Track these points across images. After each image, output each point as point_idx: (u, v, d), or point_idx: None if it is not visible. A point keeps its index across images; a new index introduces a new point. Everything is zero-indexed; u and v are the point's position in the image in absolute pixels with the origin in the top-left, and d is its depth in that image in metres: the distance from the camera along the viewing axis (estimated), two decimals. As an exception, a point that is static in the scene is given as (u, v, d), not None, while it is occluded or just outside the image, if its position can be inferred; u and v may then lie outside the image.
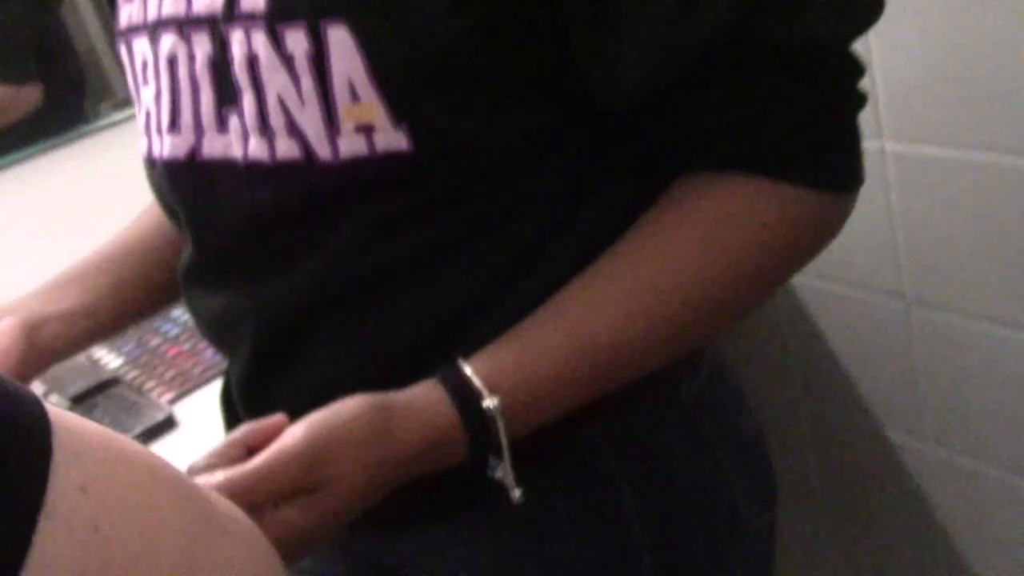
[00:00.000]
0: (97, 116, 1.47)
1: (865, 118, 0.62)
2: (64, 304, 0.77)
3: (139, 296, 0.82)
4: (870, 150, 0.67)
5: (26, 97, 1.40)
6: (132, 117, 1.44)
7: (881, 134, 0.99)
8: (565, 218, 0.63)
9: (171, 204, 0.70)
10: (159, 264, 0.81)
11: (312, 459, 0.54)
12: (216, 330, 0.71)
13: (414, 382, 0.59)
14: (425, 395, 0.58)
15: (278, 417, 0.57)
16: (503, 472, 0.59)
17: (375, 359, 0.63)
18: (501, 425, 0.58)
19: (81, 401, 1.03)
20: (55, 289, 0.79)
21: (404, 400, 0.58)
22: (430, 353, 0.61)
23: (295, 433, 0.55)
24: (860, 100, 0.61)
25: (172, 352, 1.12)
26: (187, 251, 0.70)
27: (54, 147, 1.39)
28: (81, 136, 1.42)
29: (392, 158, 0.57)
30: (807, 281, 1.15)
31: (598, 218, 0.63)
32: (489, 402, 0.57)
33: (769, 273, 0.63)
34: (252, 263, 0.65)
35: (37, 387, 0.97)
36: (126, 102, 1.51)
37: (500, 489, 0.59)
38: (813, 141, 0.60)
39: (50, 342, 0.75)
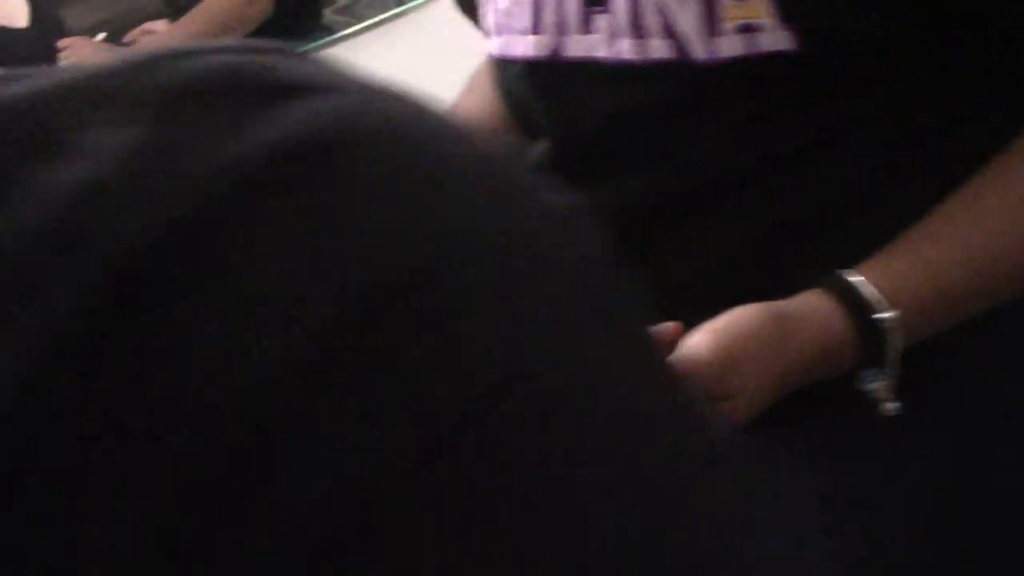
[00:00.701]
0: (320, 20, 1.46)
1: None
2: None
3: None
4: None
5: (257, 7, 1.40)
6: (356, 26, 1.44)
7: None
8: (934, 129, 0.61)
9: (523, 102, 0.71)
10: None
11: (722, 369, 0.55)
12: None
13: (768, 286, 0.59)
14: (816, 305, 0.57)
15: (672, 325, 0.57)
16: (882, 385, 0.58)
17: (732, 261, 0.63)
18: (895, 338, 0.57)
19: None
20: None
21: (796, 310, 0.57)
22: (786, 258, 0.61)
23: (702, 343, 0.55)
24: None
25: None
26: (539, 147, 0.71)
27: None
28: (314, 46, 1.41)
29: (775, 58, 0.57)
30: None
31: (972, 130, 0.61)
32: (886, 315, 0.56)
33: None
34: (612, 161, 0.66)
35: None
36: (346, 8, 1.49)
37: (858, 406, 0.59)
38: None
39: None
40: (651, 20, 0.59)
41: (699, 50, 0.58)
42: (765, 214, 0.61)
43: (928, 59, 0.59)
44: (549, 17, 0.64)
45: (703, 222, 0.63)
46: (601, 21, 0.62)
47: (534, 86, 0.68)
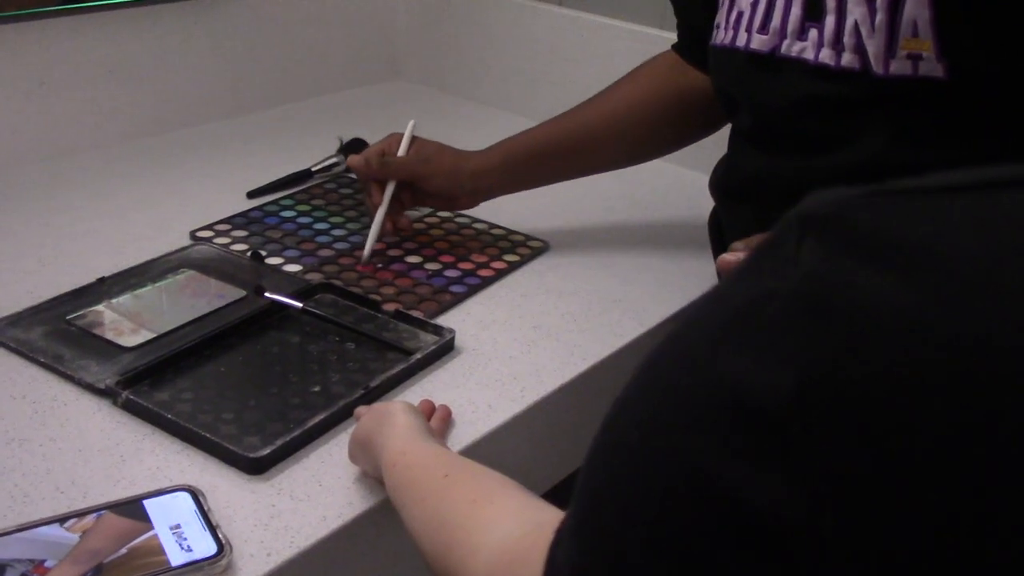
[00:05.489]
0: None
1: None
2: (510, 189, 1.13)
3: (554, 181, 1.15)
4: None
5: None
6: None
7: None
8: None
9: (733, 83, 0.94)
10: (591, 164, 1.14)
11: None
12: (750, 182, 0.94)
13: None
14: None
15: None
16: None
17: None
18: None
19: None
20: (515, 173, 1.11)
21: None
22: None
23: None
24: None
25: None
26: (740, 120, 0.95)
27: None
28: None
29: (929, 82, 0.77)
30: None
31: None
32: None
33: None
34: (796, 138, 0.88)
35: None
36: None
37: None
38: None
39: (465, 179, 1.09)
40: (848, 39, 0.81)
41: (877, 66, 0.79)
42: None
43: None
44: (775, 23, 0.87)
45: None
46: (813, 32, 0.84)
47: (750, 71, 0.89)
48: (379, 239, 1.09)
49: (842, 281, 0.29)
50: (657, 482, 0.32)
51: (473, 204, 1.12)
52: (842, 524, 0.27)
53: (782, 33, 0.86)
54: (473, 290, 1.05)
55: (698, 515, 0.31)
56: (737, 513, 0.29)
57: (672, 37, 1.36)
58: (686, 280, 1.09)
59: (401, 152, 1.09)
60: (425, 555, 0.61)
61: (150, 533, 0.67)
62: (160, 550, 0.66)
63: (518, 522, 0.54)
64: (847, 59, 0.81)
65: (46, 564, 0.64)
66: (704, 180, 1.07)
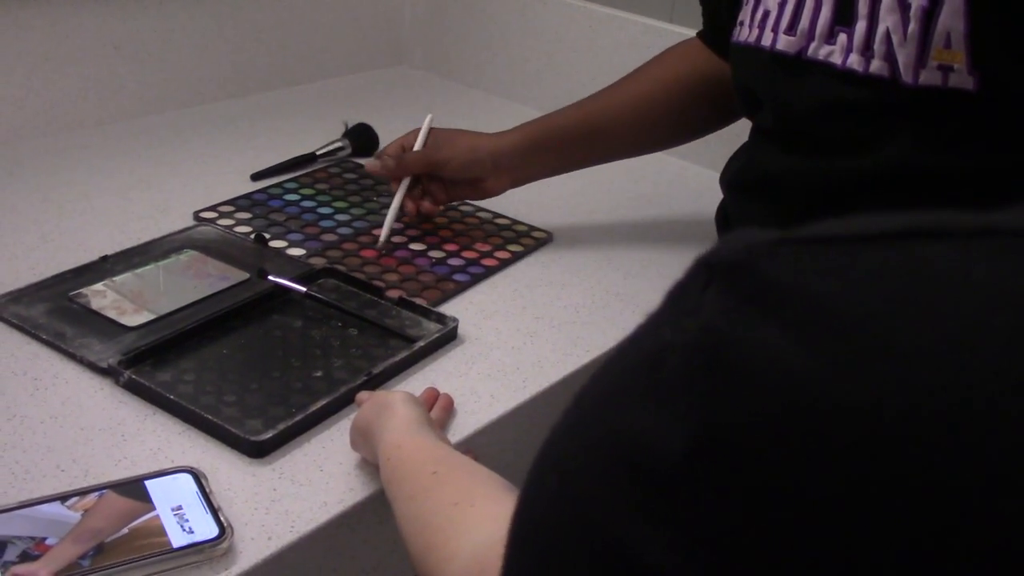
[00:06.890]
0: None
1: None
2: (536, 172, 1.12)
3: (580, 166, 1.15)
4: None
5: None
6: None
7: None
8: None
9: (755, 81, 0.93)
10: (614, 149, 1.13)
11: None
12: (768, 180, 0.93)
13: None
14: None
15: None
16: None
17: None
18: None
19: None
20: (537, 153, 1.10)
21: None
22: None
23: None
24: None
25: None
26: (762, 117, 0.95)
27: None
28: None
29: (957, 93, 0.76)
30: None
31: None
32: None
33: None
34: (819, 140, 0.87)
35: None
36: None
37: None
38: None
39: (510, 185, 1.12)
40: (879, 47, 0.80)
41: (906, 75, 0.78)
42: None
43: None
44: (803, 24, 0.86)
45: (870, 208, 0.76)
46: (842, 37, 0.83)
47: (774, 72, 0.89)
48: (400, 224, 1.11)
49: (738, 337, 0.28)
50: (569, 535, 0.31)
51: (501, 187, 1.10)
52: None
53: (810, 35, 0.85)
54: (476, 279, 1.04)
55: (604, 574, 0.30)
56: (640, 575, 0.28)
57: (680, 30, 1.35)
58: (688, 275, 1.09)
59: (418, 146, 1.09)
60: (409, 554, 0.61)
61: (152, 514, 0.67)
62: (161, 531, 0.66)
63: (497, 527, 0.54)
64: (876, 66, 0.80)
65: (47, 542, 0.64)
66: (709, 175, 1.07)
